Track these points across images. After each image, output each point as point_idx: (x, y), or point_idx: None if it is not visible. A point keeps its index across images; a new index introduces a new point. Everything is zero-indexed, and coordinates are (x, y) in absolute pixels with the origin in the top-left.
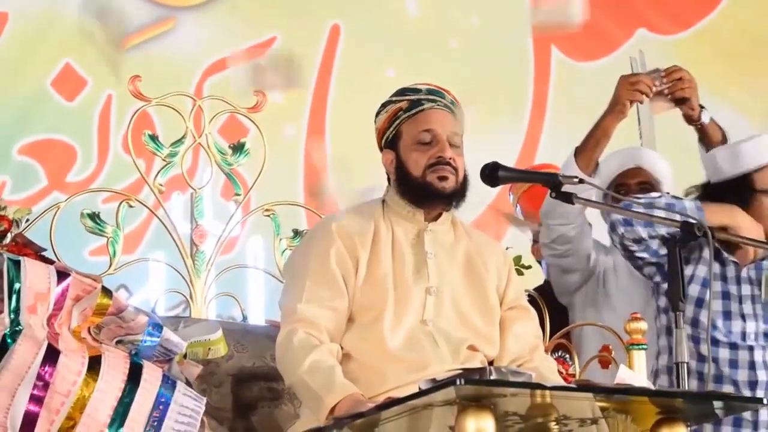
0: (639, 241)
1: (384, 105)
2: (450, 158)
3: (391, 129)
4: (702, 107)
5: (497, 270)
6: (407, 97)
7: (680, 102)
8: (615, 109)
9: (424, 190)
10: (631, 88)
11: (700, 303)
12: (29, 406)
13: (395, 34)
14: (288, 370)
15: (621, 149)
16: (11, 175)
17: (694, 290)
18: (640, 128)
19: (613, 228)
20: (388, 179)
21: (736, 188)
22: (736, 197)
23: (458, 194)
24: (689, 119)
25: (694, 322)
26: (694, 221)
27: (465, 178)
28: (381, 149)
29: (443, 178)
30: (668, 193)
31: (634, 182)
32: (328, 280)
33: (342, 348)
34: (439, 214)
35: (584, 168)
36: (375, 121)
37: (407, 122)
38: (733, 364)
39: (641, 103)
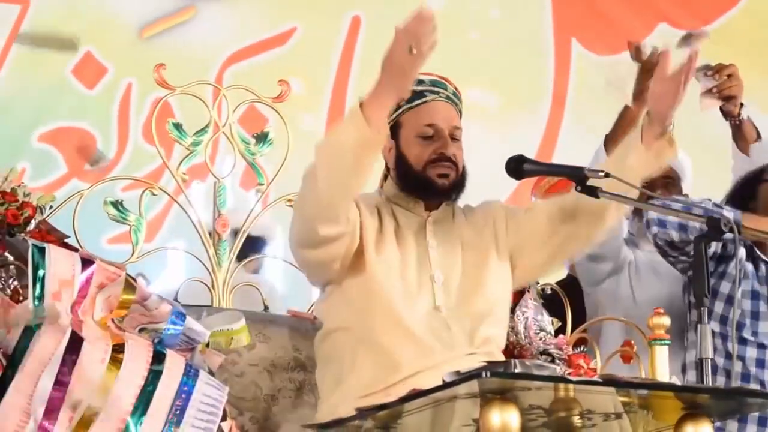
0: (671, 243)
1: None
2: (452, 155)
3: (392, 118)
4: (742, 104)
5: (489, 226)
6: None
7: (726, 99)
8: (641, 97)
9: (424, 185)
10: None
11: (730, 300)
12: (52, 393)
13: None
14: (315, 164)
15: None
16: (31, 162)
17: (725, 287)
18: None
19: (647, 225)
20: (386, 168)
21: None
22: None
23: (457, 188)
24: (728, 114)
25: (723, 320)
26: (719, 217)
27: (464, 170)
28: None
29: (443, 176)
30: (710, 199)
31: (657, 176)
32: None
33: (351, 323)
34: (440, 204)
35: None
36: None
37: (409, 113)
38: (760, 363)
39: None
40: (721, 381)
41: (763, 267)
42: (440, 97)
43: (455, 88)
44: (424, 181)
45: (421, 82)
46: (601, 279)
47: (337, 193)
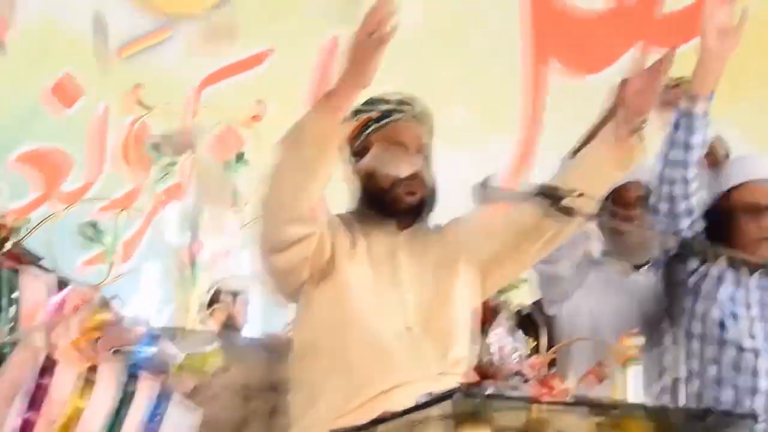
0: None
1: (353, 113)
2: (419, 172)
3: (360, 140)
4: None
5: (460, 240)
6: (377, 107)
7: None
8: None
9: (393, 204)
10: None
11: (710, 300)
12: (26, 416)
13: (393, 46)
14: (278, 159)
15: None
16: (7, 183)
17: (706, 286)
18: None
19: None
20: (358, 188)
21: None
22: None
23: (426, 206)
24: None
25: (703, 318)
26: (692, 237)
27: (433, 189)
28: (350, 157)
29: (411, 194)
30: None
31: (633, 196)
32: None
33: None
34: (411, 223)
35: None
36: None
37: (377, 133)
38: (737, 367)
39: None
40: (695, 385)
41: (745, 270)
42: (407, 115)
43: (423, 107)
44: (393, 199)
45: (387, 101)
46: (558, 299)
47: (301, 187)
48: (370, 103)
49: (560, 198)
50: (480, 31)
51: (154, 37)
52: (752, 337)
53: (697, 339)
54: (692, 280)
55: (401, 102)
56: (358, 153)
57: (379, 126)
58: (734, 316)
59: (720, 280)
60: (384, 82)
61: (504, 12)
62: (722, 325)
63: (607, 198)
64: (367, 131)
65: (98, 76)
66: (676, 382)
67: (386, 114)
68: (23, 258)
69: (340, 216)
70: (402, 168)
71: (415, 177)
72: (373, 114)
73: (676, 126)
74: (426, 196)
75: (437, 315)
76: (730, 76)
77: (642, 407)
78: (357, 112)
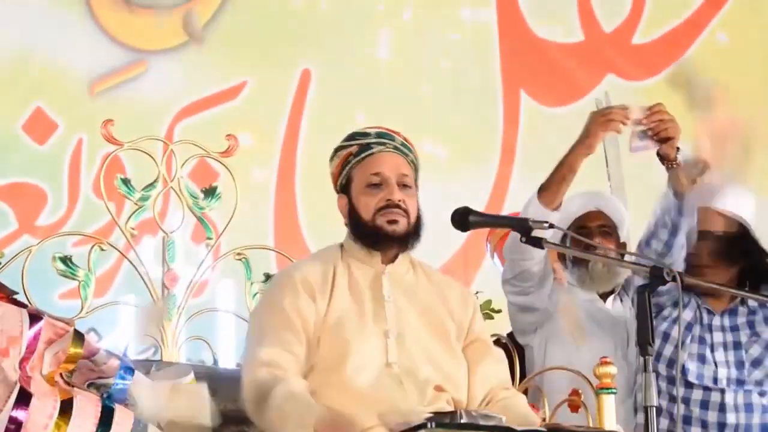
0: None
1: (336, 150)
2: (399, 200)
3: (343, 174)
4: (678, 148)
5: (459, 311)
6: (357, 142)
7: (663, 141)
8: (584, 143)
9: (375, 234)
10: (604, 119)
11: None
12: None
13: (366, 78)
14: (260, 409)
15: (582, 192)
16: None
17: (675, 331)
18: (608, 170)
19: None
20: (345, 223)
21: None
22: None
23: (412, 235)
24: (665, 158)
25: (670, 363)
26: (662, 266)
27: (418, 218)
28: (337, 193)
29: (393, 222)
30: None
31: (595, 225)
32: (291, 328)
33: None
34: (396, 255)
35: (548, 205)
36: (329, 166)
37: (357, 167)
38: (704, 405)
39: (618, 132)
40: (664, 423)
41: (705, 314)
42: (387, 148)
43: (404, 139)
44: (375, 230)
45: (367, 135)
46: (530, 330)
47: None
48: (350, 138)
49: (530, 229)
50: (451, 65)
51: (129, 71)
52: (715, 379)
53: (663, 380)
54: (663, 327)
55: (380, 135)
56: (343, 188)
57: (358, 159)
58: (701, 359)
59: (690, 325)
60: (359, 112)
61: (476, 43)
62: (687, 370)
63: (569, 227)
64: (349, 166)
65: (72, 111)
66: (648, 409)
67: (365, 147)
68: None
69: (322, 256)
70: (381, 197)
71: (395, 206)
72: (353, 148)
73: (670, 211)
74: (410, 225)
75: (419, 351)
76: None
77: None
78: (338, 149)
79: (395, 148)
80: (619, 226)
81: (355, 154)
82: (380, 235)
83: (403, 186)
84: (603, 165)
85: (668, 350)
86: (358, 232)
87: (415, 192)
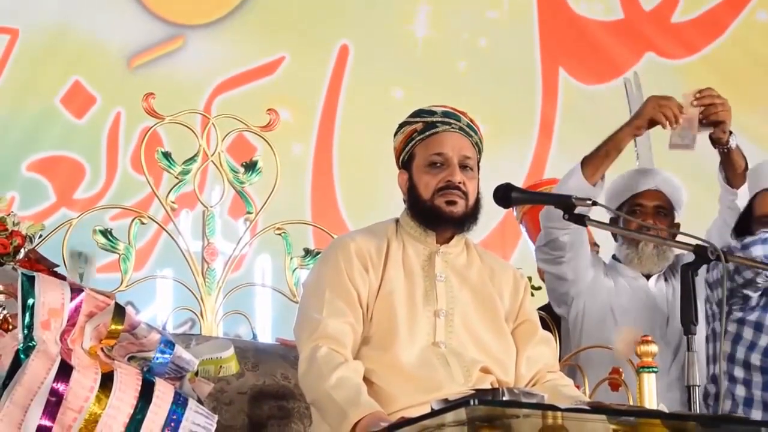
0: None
1: (401, 126)
2: (459, 182)
3: (406, 150)
4: (731, 132)
5: (510, 293)
6: (422, 119)
7: (715, 125)
8: (633, 123)
9: (433, 214)
10: (659, 108)
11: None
12: (42, 422)
13: (404, 55)
14: (312, 386)
15: (641, 168)
16: (20, 191)
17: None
18: (636, 150)
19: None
20: (404, 199)
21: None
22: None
23: (469, 218)
24: (717, 142)
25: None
26: (707, 244)
27: (477, 201)
28: (399, 168)
29: (451, 203)
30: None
31: (651, 204)
32: (346, 297)
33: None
34: (451, 237)
35: (589, 178)
36: (393, 141)
37: (420, 144)
38: (766, 387)
39: (663, 127)
40: (727, 405)
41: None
42: (452, 128)
43: (470, 120)
44: (433, 210)
45: (433, 113)
46: (564, 300)
47: None
48: (416, 114)
49: (573, 206)
50: (490, 42)
51: (167, 46)
52: None
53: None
54: (754, 316)
55: (447, 114)
56: (405, 164)
57: (422, 137)
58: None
59: (757, 304)
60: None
61: (514, 21)
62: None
63: (625, 202)
64: (412, 142)
65: (110, 85)
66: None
67: (430, 125)
68: (38, 265)
69: (375, 231)
70: (442, 178)
71: (455, 187)
72: (418, 125)
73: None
74: (468, 207)
75: (467, 332)
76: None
77: (658, 414)
78: (403, 124)
79: (460, 128)
80: (676, 207)
81: (420, 131)
82: (438, 215)
83: (465, 168)
84: (631, 144)
85: (764, 340)
86: (415, 210)
87: (476, 174)
